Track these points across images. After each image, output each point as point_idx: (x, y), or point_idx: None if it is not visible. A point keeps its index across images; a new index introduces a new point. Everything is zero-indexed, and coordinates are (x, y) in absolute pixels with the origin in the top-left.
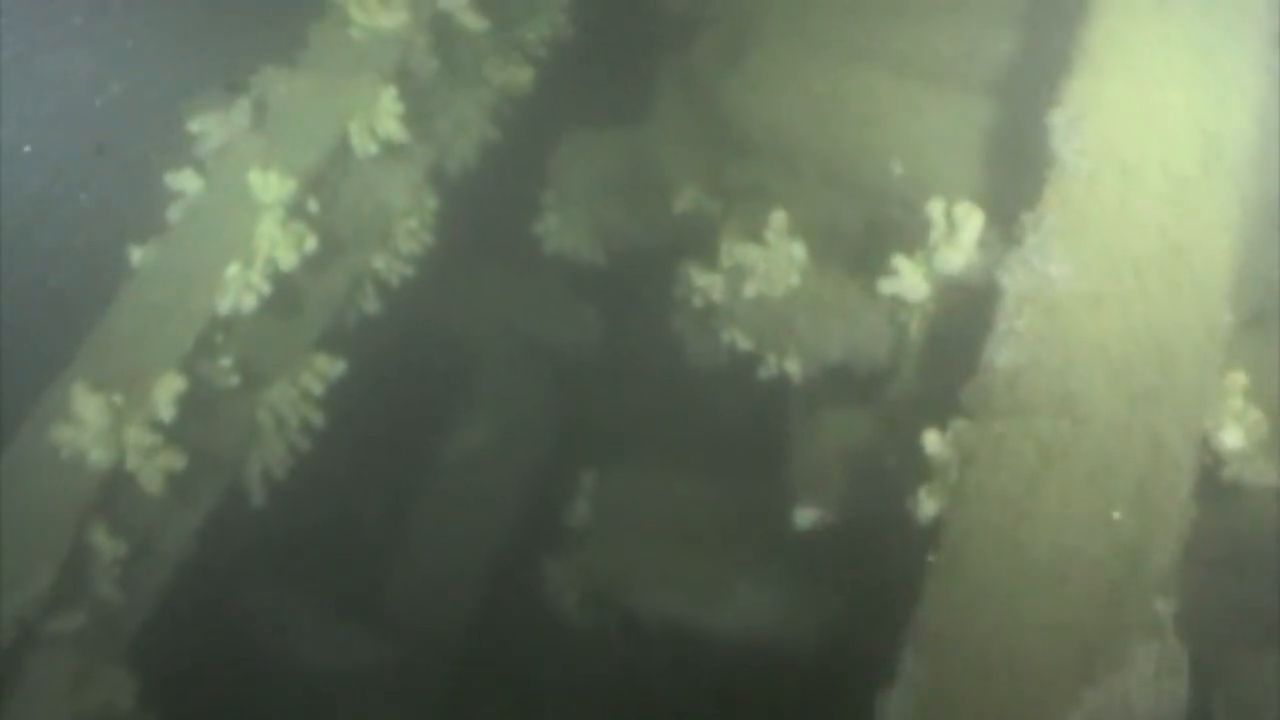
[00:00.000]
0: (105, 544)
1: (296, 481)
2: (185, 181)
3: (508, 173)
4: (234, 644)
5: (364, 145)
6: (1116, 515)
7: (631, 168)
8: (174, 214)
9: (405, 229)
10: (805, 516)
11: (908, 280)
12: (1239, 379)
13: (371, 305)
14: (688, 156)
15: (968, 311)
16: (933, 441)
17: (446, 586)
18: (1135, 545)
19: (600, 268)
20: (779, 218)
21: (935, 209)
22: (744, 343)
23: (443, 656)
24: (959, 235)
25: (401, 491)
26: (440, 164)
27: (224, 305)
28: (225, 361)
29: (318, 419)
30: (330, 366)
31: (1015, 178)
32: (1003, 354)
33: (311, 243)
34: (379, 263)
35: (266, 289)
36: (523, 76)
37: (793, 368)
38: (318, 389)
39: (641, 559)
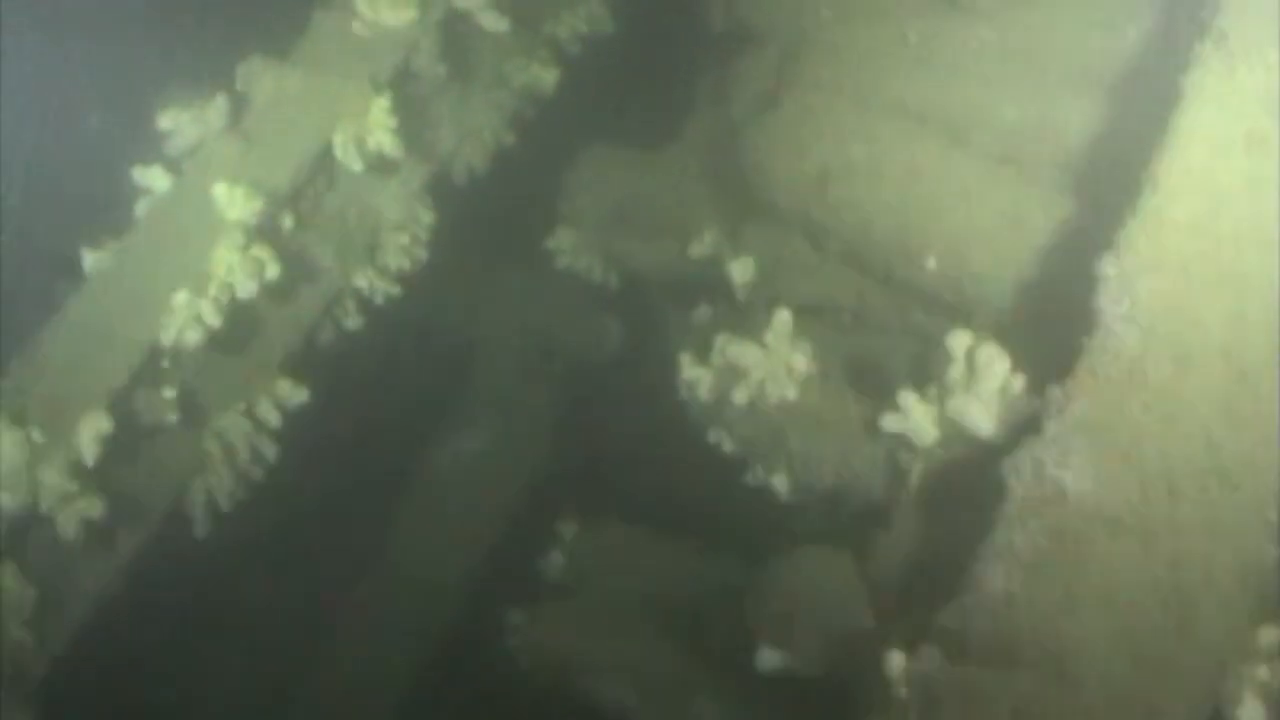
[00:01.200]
0: (14, 586)
1: (244, 510)
2: (153, 178)
3: (526, 174)
4: (152, 691)
5: (349, 159)
6: None
7: (651, 196)
8: (140, 211)
9: (395, 244)
10: (768, 659)
11: (915, 421)
12: (1271, 636)
13: (353, 322)
14: (711, 196)
15: (978, 472)
16: (895, 665)
17: (401, 619)
18: None
19: (614, 290)
20: (783, 319)
21: (957, 343)
22: (729, 446)
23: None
24: (979, 384)
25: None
26: (444, 173)
27: (167, 336)
28: (168, 393)
29: (270, 451)
30: (292, 392)
31: (1063, 311)
32: (994, 574)
33: (274, 270)
34: (361, 281)
35: (216, 321)
36: (547, 78)
37: (779, 484)
38: (274, 419)
39: (605, 634)
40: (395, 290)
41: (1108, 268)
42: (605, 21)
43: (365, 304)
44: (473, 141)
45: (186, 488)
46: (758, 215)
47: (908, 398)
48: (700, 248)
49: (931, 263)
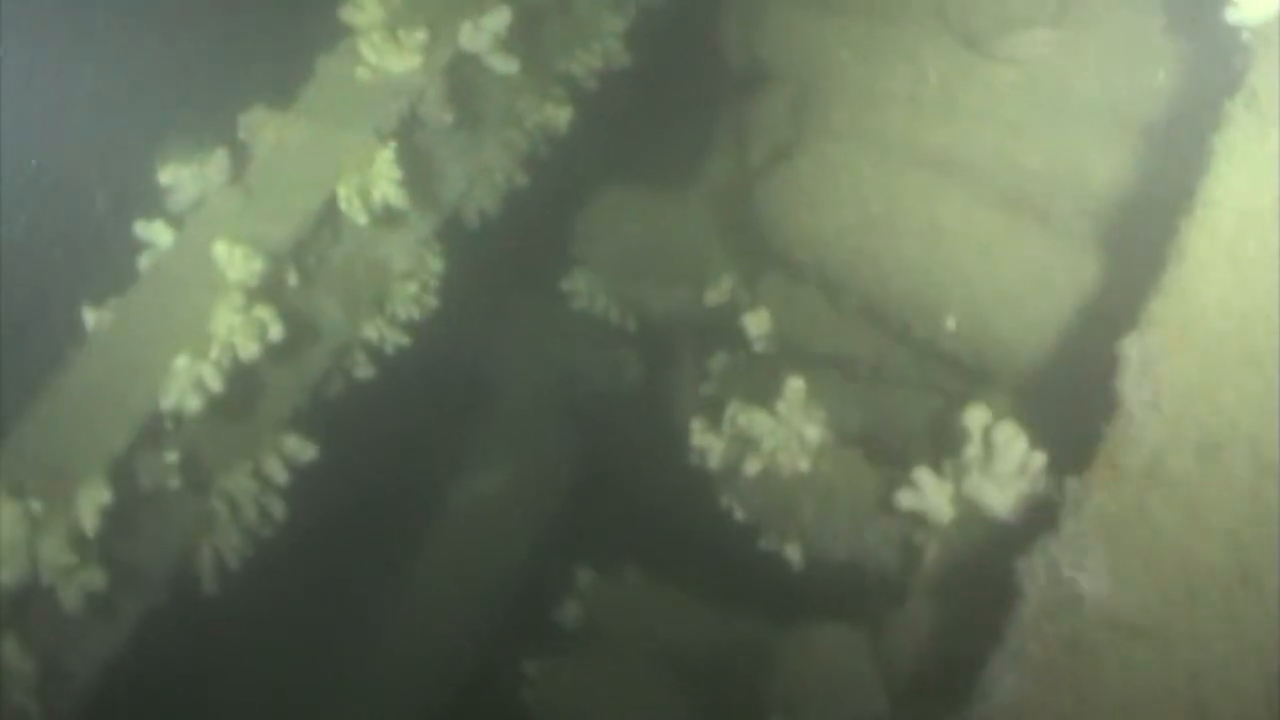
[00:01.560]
0: (15, 657)
1: (253, 565)
2: (155, 233)
3: (543, 212)
4: None
5: (353, 212)
6: None
7: (667, 242)
8: (144, 264)
9: (404, 294)
10: None
11: (930, 499)
12: None
13: (363, 371)
14: (728, 243)
15: (994, 554)
16: None
17: (419, 666)
18: None
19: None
20: (795, 388)
21: (974, 420)
22: (741, 515)
23: None
24: (995, 464)
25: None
26: (455, 217)
27: (168, 401)
28: (170, 456)
29: (279, 508)
30: (300, 449)
31: (1089, 379)
32: (1005, 681)
33: (276, 330)
34: (370, 332)
35: (217, 385)
36: (561, 117)
37: (793, 554)
38: (281, 477)
39: (620, 688)
40: (405, 340)
41: (1130, 348)
42: (622, 57)
43: (376, 353)
44: (484, 183)
45: (192, 550)
46: (774, 266)
47: (923, 475)
48: (716, 295)
49: (951, 324)
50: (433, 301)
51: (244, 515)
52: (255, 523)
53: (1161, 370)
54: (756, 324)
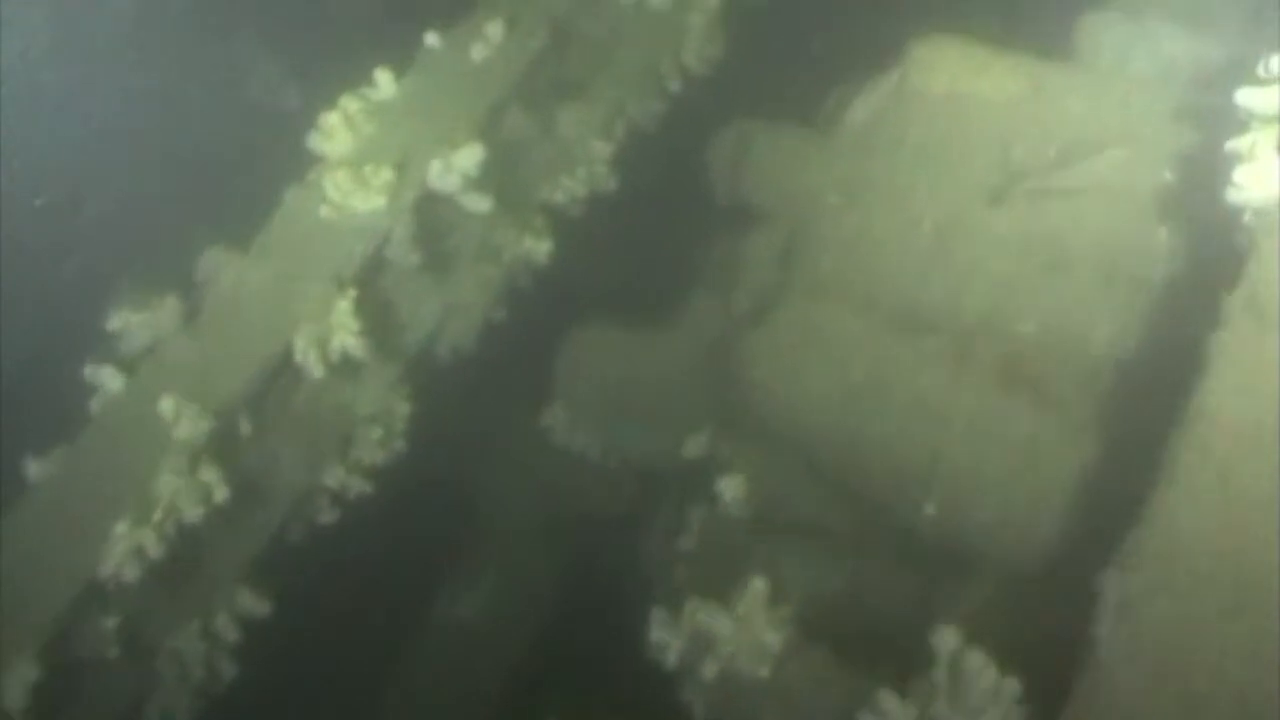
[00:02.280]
0: None
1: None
2: (105, 378)
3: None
4: None
5: (310, 364)
6: None
7: (647, 385)
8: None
9: (368, 439)
10: None
11: None
12: None
13: (327, 517)
14: (708, 394)
15: None
16: None
17: None
18: None
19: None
20: (757, 590)
21: (943, 643)
22: (700, 712)
23: None
24: (963, 694)
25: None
26: (426, 356)
27: (106, 569)
28: (110, 622)
29: (229, 668)
30: (254, 604)
31: (1075, 583)
32: None
33: (222, 493)
34: (331, 480)
35: (158, 552)
36: (541, 249)
37: None
38: (232, 635)
39: None
40: (369, 488)
41: (1109, 588)
42: (608, 183)
43: (339, 499)
44: (459, 320)
45: (136, 716)
46: (752, 428)
47: (888, 699)
48: (694, 448)
49: (931, 510)
50: (400, 445)
51: (191, 676)
52: (204, 683)
53: (1142, 614)
54: (732, 489)
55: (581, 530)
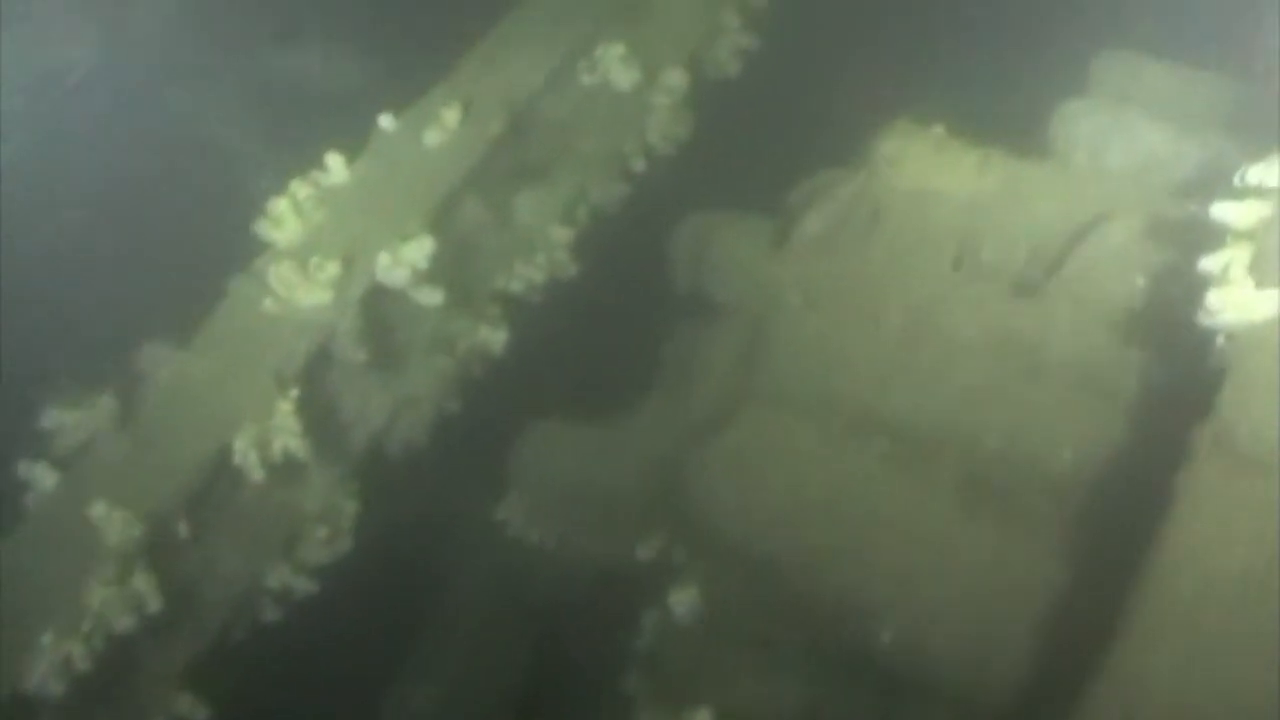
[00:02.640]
0: None
1: None
2: (39, 475)
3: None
4: None
5: (249, 466)
6: None
7: (602, 485)
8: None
9: (314, 538)
10: None
11: None
12: None
13: (271, 615)
14: (663, 498)
15: None
16: None
17: None
18: None
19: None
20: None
21: None
22: None
23: None
24: None
25: None
26: (376, 452)
27: (31, 682)
28: None
29: None
30: (191, 710)
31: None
32: None
33: (155, 602)
34: (274, 581)
35: (86, 665)
36: (496, 340)
37: None
38: None
39: None
40: (314, 588)
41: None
42: (568, 267)
43: (283, 598)
44: (410, 414)
45: None
46: (706, 539)
47: None
48: (647, 552)
49: (886, 637)
50: (347, 544)
51: None
52: None
53: None
54: (683, 601)
55: (539, 620)
